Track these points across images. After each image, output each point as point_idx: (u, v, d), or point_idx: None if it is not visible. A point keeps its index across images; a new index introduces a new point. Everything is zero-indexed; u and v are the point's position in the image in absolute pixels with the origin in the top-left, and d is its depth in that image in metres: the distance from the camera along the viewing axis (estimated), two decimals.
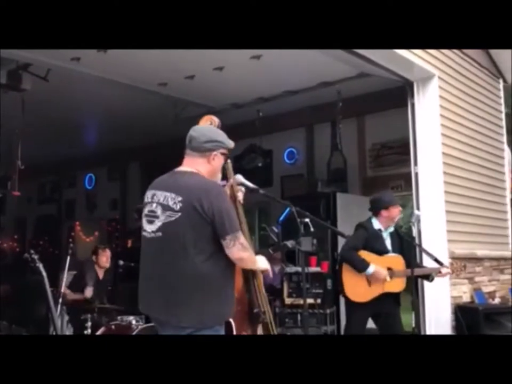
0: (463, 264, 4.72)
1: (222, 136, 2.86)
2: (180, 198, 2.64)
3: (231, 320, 2.81)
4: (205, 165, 2.77)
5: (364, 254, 4.51)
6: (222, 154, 2.82)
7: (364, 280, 4.48)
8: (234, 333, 2.83)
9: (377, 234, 4.64)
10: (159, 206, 2.68)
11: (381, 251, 4.59)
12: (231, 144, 2.88)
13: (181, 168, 2.83)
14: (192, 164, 2.79)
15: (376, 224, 4.66)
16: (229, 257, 2.66)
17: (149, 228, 2.71)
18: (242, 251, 2.65)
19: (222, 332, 2.67)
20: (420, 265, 4.91)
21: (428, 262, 4.98)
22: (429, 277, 4.68)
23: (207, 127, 2.98)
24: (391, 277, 4.49)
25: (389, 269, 4.52)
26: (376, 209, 4.71)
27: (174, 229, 2.62)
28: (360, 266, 4.47)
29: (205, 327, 2.58)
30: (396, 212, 4.64)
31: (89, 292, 5.67)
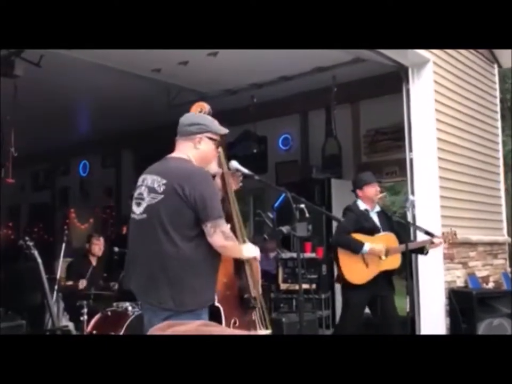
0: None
1: (209, 121, 2.89)
2: (164, 181, 2.70)
3: (219, 305, 2.83)
4: (191, 149, 2.82)
5: (356, 236, 4.54)
6: (210, 139, 2.85)
7: (361, 262, 4.52)
8: (223, 318, 2.84)
9: (365, 214, 4.68)
10: (146, 188, 2.75)
11: (372, 230, 4.63)
12: (220, 130, 2.90)
13: (172, 154, 2.88)
14: (181, 149, 2.85)
15: (362, 205, 4.71)
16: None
17: (137, 210, 2.78)
18: (224, 240, 2.67)
19: (205, 316, 2.69)
20: (412, 241, 4.94)
21: (420, 238, 5.02)
22: (423, 250, 4.72)
23: (197, 114, 3.00)
24: (386, 255, 4.53)
25: None
26: (353, 189, 4.81)
27: (156, 210, 2.69)
28: (355, 247, 4.50)
29: (183, 311, 2.61)
30: (371, 191, 4.68)
31: (82, 284, 5.66)
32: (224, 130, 2.92)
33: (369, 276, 4.53)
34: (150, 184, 2.75)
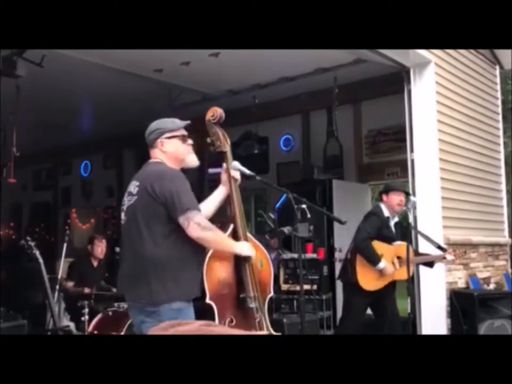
0: (463, 250, 4.79)
1: (163, 122, 3.01)
2: (137, 183, 2.87)
3: (211, 302, 2.84)
4: (160, 154, 2.96)
5: (376, 243, 4.57)
6: (171, 138, 2.95)
7: (377, 271, 4.55)
8: (216, 315, 2.84)
9: (387, 222, 4.74)
10: (127, 194, 2.92)
11: (390, 238, 4.69)
12: (179, 124, 2.99)
13: (150, 160, 3.02)
14: (154, 156, 2.99)
15: (386, 211, 4.74)
16: (189, 238, 2.74)
17: (122, 215, 2.93)
18: (199, 230, 2.71)
19: (188, 311, 2.75)
20: (423, 254, 4.99)
21: (428, 249, 5.02)
22: (432, 263, 4.77)
23: (156, 121, 3.05)
24: (400, 265, 4.57)
25: (398, 257, 4.60)
26: (380, 193, 4.92)
27: (132, 211, 2.84)
28: (373, 260, 4.54)
29: (159, 304, 2.69)
30: (395, 199, 4.71)
31: (88, 290, 5.63)
32: (183, 123, 3.00)
33: (380, 285, 4.62)
34: (129, 189, 2.92)
